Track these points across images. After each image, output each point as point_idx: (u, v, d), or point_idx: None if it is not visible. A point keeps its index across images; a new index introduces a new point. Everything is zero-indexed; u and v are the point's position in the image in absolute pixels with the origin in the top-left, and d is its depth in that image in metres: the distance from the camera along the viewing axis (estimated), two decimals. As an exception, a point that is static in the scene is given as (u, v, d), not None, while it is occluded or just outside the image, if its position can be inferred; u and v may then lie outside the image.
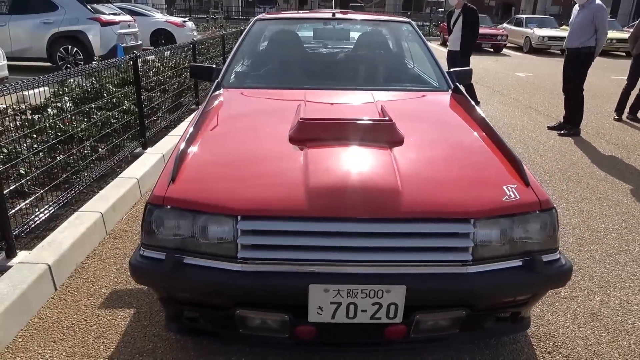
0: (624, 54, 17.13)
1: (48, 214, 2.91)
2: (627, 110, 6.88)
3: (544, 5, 35.91)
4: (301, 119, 2.12)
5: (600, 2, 5.45)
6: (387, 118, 2.21)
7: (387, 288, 1.64)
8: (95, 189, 3.51)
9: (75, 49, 8.78)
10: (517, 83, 10.05)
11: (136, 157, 4.25)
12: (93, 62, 4.27)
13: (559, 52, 17.43)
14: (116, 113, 4.37)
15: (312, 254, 1.66)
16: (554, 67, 13.18)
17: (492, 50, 17.46)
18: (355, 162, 1.88)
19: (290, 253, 1.66)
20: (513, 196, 1.78)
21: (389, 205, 1.69)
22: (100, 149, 3.92)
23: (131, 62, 4.19)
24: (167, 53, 6.44)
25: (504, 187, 1.82)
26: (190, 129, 2.17)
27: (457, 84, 2.98)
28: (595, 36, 5.50)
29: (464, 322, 1.79)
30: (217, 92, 2.80)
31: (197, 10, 37.88)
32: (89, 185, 3.50)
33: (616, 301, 2.52)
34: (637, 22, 6.32)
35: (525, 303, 1.87)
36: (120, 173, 3.82)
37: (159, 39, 13.57)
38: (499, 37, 17.10)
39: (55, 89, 4.55)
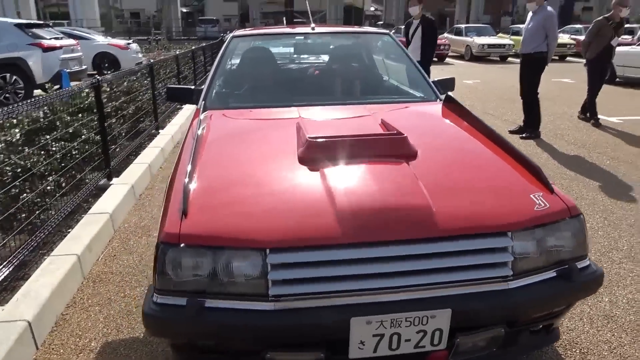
0: (557, 57, 18.19)
1: (17, 262, 2.60)
2: (579, 110, 7.23)
3: (477, 14, 37.73)
4: (309, 137, 2.00)
5: (550, 9, 5.70)
6: (395, 132, 2.13)
7: (431, 313, 1.54)
8: (64, 228, 3.21)
9: (14, 77, 8.21)
10: (467, 90, 10.35)
11: (102, 189, 3.95)
12: (36, 91, 3.92)
13: (498, 58, 18.28)
14: (76, 144, 4.05)
15: (350, 283, 1.53)
16: (497, 73, 13.76)
17: (436, 59, 18.01)
18: (378, 181, 1.78)
19: (326, 285, 1.53)
20: (543, 205, 1.73)
21: (424, 224, 1.59)
22: (63, 184, 3.59)
23: (93, 89, 3.91)
24: (123, 77, 6.11)
25: (532, 196, 1.77)
26: (187, 156, 1.99)
27: (448, 92, 2.96)
28: (547, 41, 5.74)
29: (503, 339, 1.71)
30: (204, 115, 2.62)
31: (135, 32, 36.91)
32: (57, 225, 3.18)
33: (624, 300, 2.54)
34: (590, 28, 6.65)
35: (560, 314, 1.83)
36: (89, 209, 3.52)
37: (102, 63, 13.03)
38: (442, 47, 17.72)
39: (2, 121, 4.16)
